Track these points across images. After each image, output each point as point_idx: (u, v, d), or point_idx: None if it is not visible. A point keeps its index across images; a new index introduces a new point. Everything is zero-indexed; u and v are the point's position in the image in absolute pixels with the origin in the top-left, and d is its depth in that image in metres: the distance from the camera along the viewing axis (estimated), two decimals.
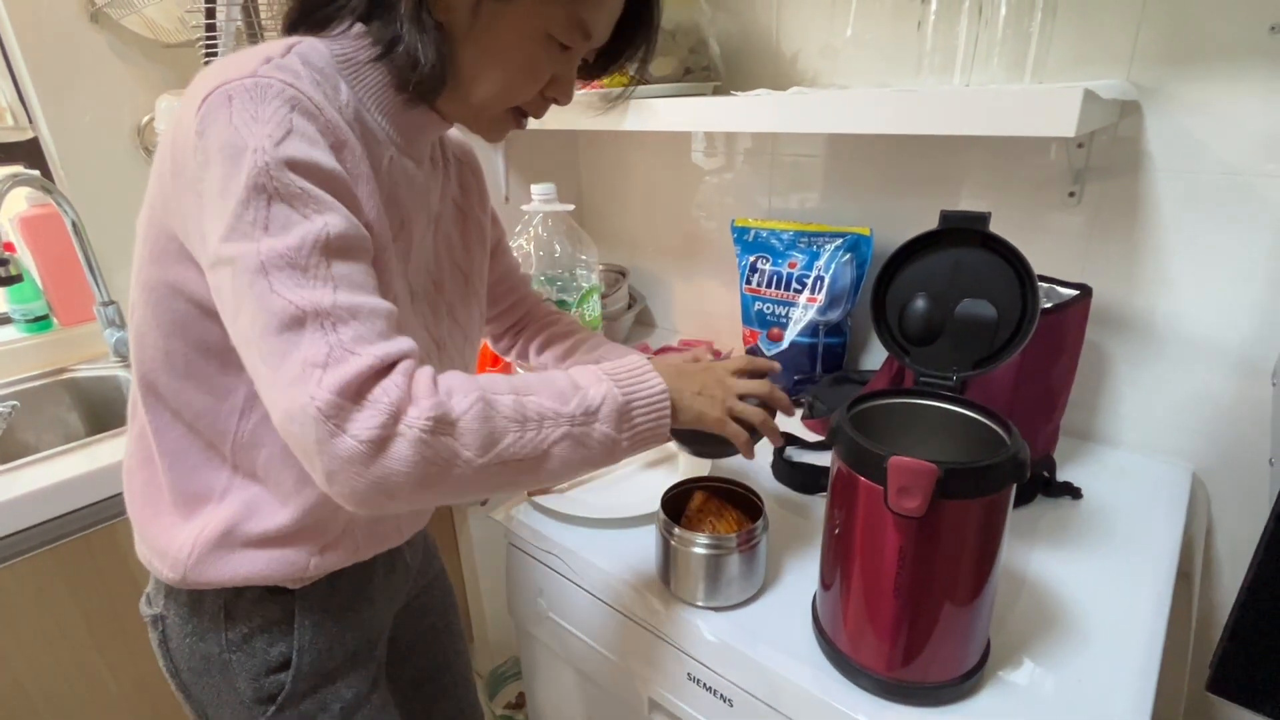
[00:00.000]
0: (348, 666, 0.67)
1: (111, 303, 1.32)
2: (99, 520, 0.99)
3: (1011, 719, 0.56)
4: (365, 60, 0.53)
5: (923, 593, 0.54)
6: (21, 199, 1.32)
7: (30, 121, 1.33)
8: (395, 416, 0.43)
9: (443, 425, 0.44)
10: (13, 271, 1.08)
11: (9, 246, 1.22)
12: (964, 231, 0.60)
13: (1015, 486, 0.53)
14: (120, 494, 0.96)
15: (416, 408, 0.43)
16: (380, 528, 0.66)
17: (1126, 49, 0.80)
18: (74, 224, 1.25)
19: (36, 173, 1.26)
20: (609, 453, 0.52)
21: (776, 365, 0.70)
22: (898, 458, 0.49)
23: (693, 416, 0.58)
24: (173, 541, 0.59)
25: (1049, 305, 0.79)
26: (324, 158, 0.47)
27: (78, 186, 1.32)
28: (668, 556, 0.69)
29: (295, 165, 0.45)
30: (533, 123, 0.63)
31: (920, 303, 0.62)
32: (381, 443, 0.42)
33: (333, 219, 0.46)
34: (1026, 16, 0.79)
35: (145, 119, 1.38)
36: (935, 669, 0.57)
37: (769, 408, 0.64)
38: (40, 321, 1.34)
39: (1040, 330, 0.75)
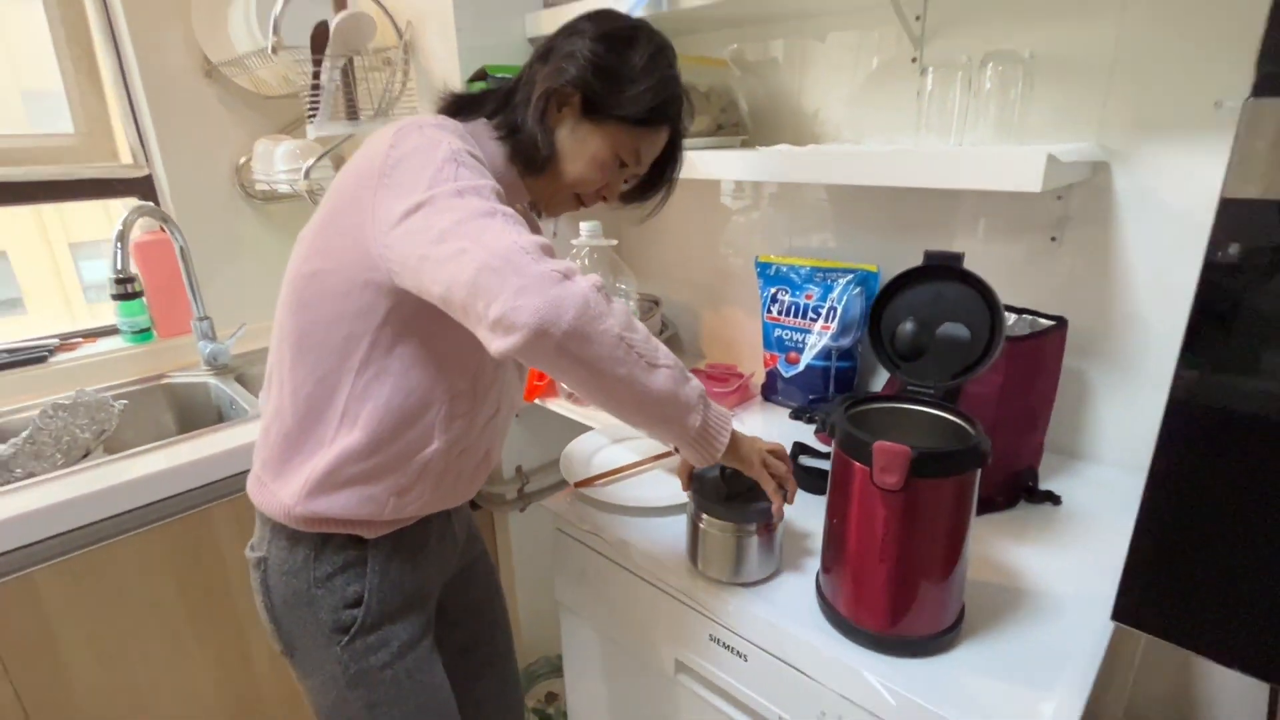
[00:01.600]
0: (404, 611, 0.81)
1: (206, 318, 1.51)
2: (193, 505, 1.15)
3: (979, 667, 0.67)
4: (490, 138, 0.75)
5: (905, 558, 0.66)
6: (137, 227, 1.53)
7: (146, 160, 1.54)
8: (574, 269, 0.61)
9: (605, 295, 0.62)
10: (136, 289, 1.27)
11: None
12: (944, 268, 0.73)
13: (979, 471, 0.66)
14: (206, 485, 1.13)
15: (587, 275, 0.61)
16: (442, 487, 0.80)
17: (1097, 117, 0.94)
18: (181, 249, 1.45)
19: (151, 204, 1.47)
20: (688, 411, 0.69)
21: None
22: (880, 442, 0.63)
23: (744, 452, 0.77)
24: (294, 477, 0.75)
25: (1028, 333, 0.92)
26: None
27: (184, 216, 1.53)
28: (696, 539, 0.82)
29: (474, 156, 0.69)
30: None
31: (909, 325, 0.76)
32: (567, 275, 0.59)
33: (492, 184, 0.66)
34: (1009, 88, 0.94)
35: (243, 159, 1.59)
36: (918, 625, 0.69)
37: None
38: (143, 333, 1.54)
39: (1020, 354, 0.88)
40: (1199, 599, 0.51)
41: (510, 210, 0.64)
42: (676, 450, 0.75)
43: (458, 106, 0.81)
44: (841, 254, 1.26)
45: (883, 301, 0.77)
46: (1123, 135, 0.92)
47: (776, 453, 0.80)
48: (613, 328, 0.61)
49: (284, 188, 1.45)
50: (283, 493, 0.76)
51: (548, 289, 0.58)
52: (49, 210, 1.55)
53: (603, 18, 0.78)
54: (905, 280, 0.76)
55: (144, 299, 1.52)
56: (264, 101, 1.58)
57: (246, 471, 1.16)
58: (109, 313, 1.56)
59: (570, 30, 0.77)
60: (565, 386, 1.32)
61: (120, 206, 1.60)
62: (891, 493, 0.64)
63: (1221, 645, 0.51)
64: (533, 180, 0.80)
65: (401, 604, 0.81)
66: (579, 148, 0.77)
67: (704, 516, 0.80)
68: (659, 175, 0.87)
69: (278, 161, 1.44)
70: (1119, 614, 0.56)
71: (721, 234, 1.44)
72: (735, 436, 0.76)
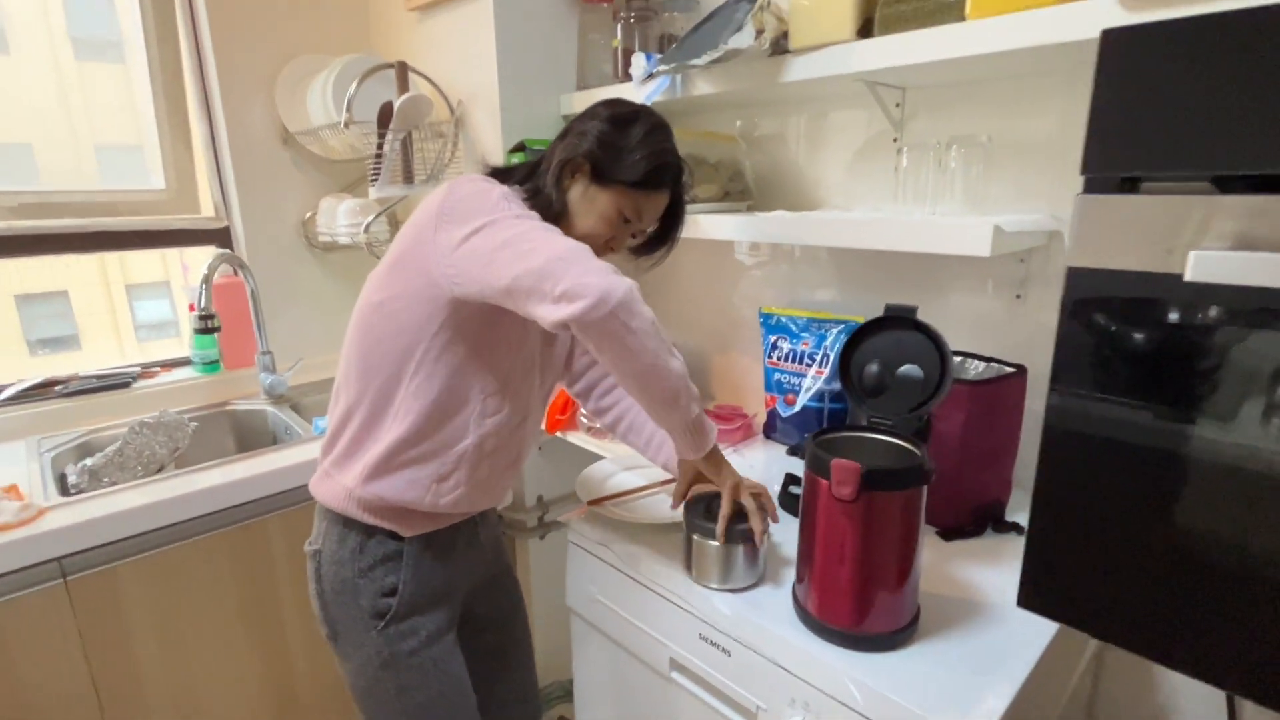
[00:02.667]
0: (432, 605, 0.95)
1: (268, 352, 1.70)
2: (252, 515, 1.31)
3: (931, 661, 0.78)
4: (519, 199, 0.92)
5: (862, 562, 0.78)
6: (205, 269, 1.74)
7: (226, 214, 1.77)
8: (615, 270, 0.77)
9: (638, 291, 0.78)
10: (215, 325, 1.46)
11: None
12: (901, 318, 0.87)
13: (925, 488, 0.78)
14: (262, 498, 1.28)
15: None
16: (475, 479, 0.93)
17: (1048, 192, 1.08)
18: (252, 291, 1.65)
19: (230, 251, 1.69)
20: (691, 400, 0.87)
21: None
22: (837, 459, 0.76)
23: (719, 461, 0.95)
24: (356, 465, 0.91)
25: (989, 378, 1.04)
26: None
27: (255, 263, 1.73)
28: (690, 552, 0.95)
29: (517, 200, 0.88)
30: None
31: (873, 367, 0.90)
32: (616, 271, 0.77)
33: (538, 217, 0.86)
34: (972, 166, 1.09)
35: (309, 214, 1.80)
36: (877, 623, 0.80)
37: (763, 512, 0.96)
38: (212, 365, 1.73)
39: (980, 397, 1.01)
40: (1081, 586, 0.63)
41: (555, 228, 0.84)
42: (664, 471, 0.89)
43: (494, 176, 0.98)
44: (836, 307, 1.41)
45: (852, 346, 0.91)
46: (1070, 208, 1.06)
47: (755, 487, 0.96)
48: (648, 314, 0.79)
49: (344, 239, 1.66)
50: (345, 478, 0.92)
51: (605, 275, 0.75)
52: (110, 253, 1.76)
53: (612, 104, 0.95)
54: (871, 329, 0.91)
55: (217, 334, 1.72)
56: (330, 164, 1.81)
57: (299, 487, 1.34)
58: (158, 350, 1.77)
59: (586, 114, 0.96)
60: (584, 414, 1.47)
61: (175, 254, 1.82)
62: (848, 503, 0.76)
63: (1103, 624, 0.62)
64: None
65: (429, 598, 0.95)
66: (589, 206, 0.93)
67: (695, 536, 0.93)
68: (665, 233, 1.03)
69: (340, 217, 1.65)
70: (1022, 602, 0.67)
71: (731, 287, 1.60)
72: (717, 448, 0.93)
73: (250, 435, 1.70)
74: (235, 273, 1.70)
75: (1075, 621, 0.63)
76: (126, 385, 1.61)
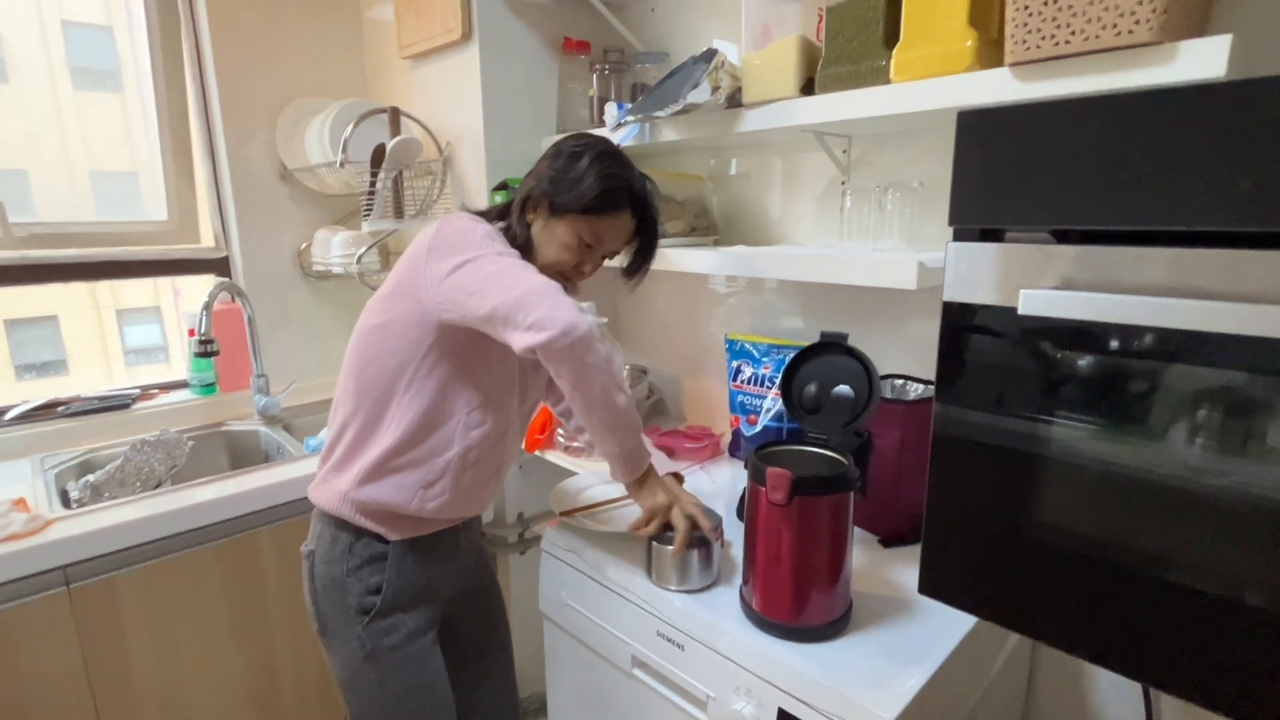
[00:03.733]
0: (413, 604, 1.04)
1: (263, 375, 1.80)
2: (243, 529, 1.40)
3: (860, 650, 0.88)
4: (501, 236, 1.03)
5: (796, 560, 0.88)
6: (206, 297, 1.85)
7: (226, 244, 1.88)
8: (585, 310, 0.91)
9: (602, 330, 0.92)
10: (214, 349, 1.56)
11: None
12: (834, 345, 0.99)
13: (851, 494, 0.89)
14: (253, 512, 1.37)
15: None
16: (459, 488, 1.02)
17: None
18: (249, 318, 1.76)
19: (228, 280, 1.79)
20: (629, 432, 0.98)
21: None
22: (772, 468, 0.86)
23: (652, 485, 1.03)
24: (350, 471, 1.01)
25: (924, 398, 1.15)
26: None
27: (252, 290, 1.84)
28: (650, 556, 1.05)
29: (501, 238, 0.99)
30: None
31: (811, 387, 1.01)
32: (583, 310, 0.89)
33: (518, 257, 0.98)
34: (907, 208, 1.22)
35: (303, 245, 1.92)
36: (812, 616, 0.90)
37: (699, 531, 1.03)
38: (209, 387, 1.83)
39: (915, 415, 1.12)
40: (968, 571, 0.73)
41: (533, 267, 0.95)
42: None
43: (485, 215, 1.10)
44: (794, 333, 1.52)
45: (793, 369, 1.03)
46: None
47: (696, 505, 1.04)
48: (603, 351, 0.92)
49: (337, 269, 1.77)
50: (341, 482, 1.01)
51: (572, 312, 0.88)
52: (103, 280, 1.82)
53: (565, 140, 1.05)
54: (809, 353, 1.02)
55: (214, 359, 1.82)
56: (325, 199, 1.93)
57: (289, 502, 1.43)
58: (147, 375, 1.87)
59: (546, 153, 1.06)
60: (562, 433, 1.57)
61: (167, 281, 1.92)
62: (781, 507, 0.87)
63: (989, 607, 0.72)
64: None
65: (411, 597, 1.04)
66: (550, 237, 1.03)
67: (654, 543, 1.03)
68: (642, 249, 1.12)
69: (334, 248, 1.77)
70: (922, 588, 0.77)
71: (701, 315, 1.72)
72: (650, 472, 1.03)
73: (244, 454, 1.79)
74: (233, 300, 1.80)
75: (966, 605, 0.73)
76: (126, 406, 1.70)
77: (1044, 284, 0.59)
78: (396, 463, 0.99)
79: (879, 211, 1.25)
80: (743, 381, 1.51)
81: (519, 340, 0.88)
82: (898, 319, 1.34)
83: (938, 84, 0.98)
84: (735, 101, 1.24)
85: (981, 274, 0.63)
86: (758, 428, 1.47)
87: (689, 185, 1.55)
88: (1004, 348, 0.64)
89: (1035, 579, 0.67)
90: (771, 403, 1.45)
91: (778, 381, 1.43)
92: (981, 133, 0.62)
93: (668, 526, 1.02)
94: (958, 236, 0.65)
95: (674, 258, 1.40)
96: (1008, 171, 0.62)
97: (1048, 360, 0.62)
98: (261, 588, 1.43)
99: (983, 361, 0.66)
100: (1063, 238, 0.61)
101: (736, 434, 1.53)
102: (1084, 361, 0.60)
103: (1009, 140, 0.61)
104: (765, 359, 1.48)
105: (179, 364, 2.30)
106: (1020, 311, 0.59)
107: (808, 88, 1.15)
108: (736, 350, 1.54)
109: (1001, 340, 0.64)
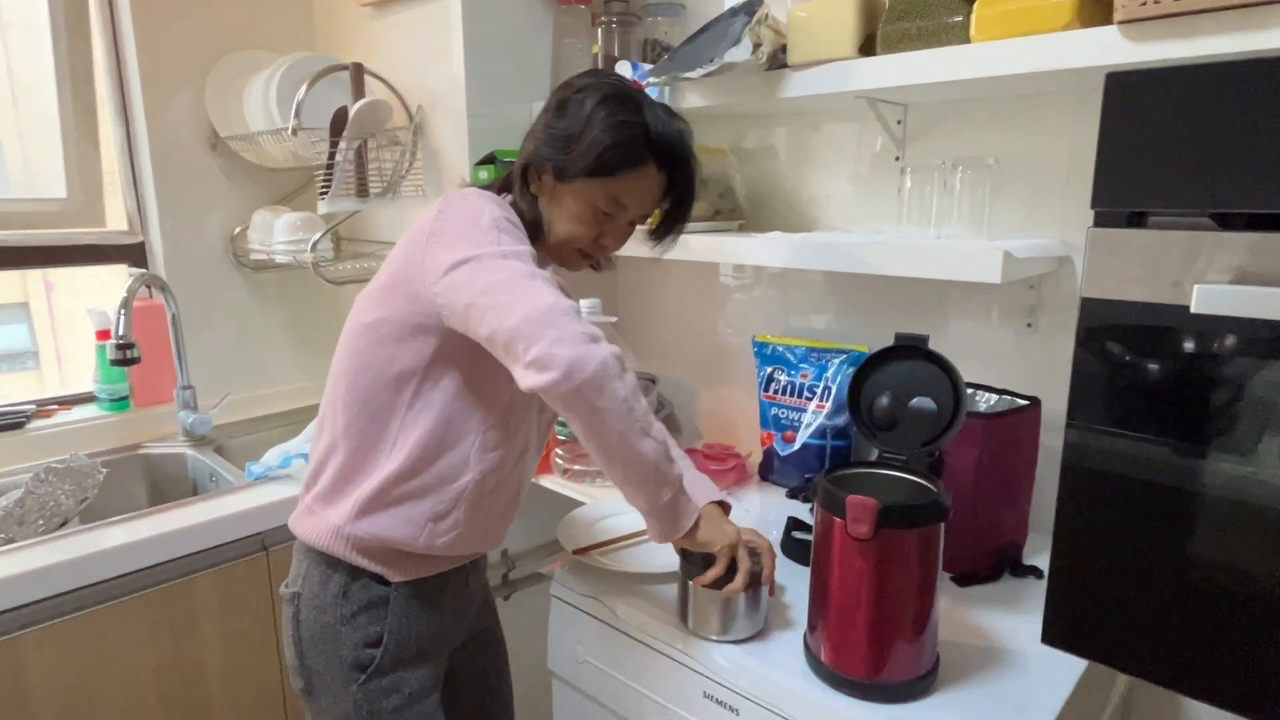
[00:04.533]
0: (418, 660, 1.00)
1: (189, 387, 1.72)
2: (176, 576, 1.33)
3: (954, 711, 0.86)
4: (512, 218, 0.98)
5: (880, 605, 0.87)
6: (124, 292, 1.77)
7: (142, 228, 1.80)
8: (599, 336, 0.85)
9: (621, 364, 0.86)
10: (135, 355, 1.49)
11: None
12: (913, 348, 0.98)
13: (942, 525, 0.87)
14: (187, 555, 1.30)
15: (612, 345, 0.86)
16: (474, 520, 0.99)
17: (1059, 217, 1.21)
18: (173, 317, 1.68)
19: (147, 271, 1.72)
20: (661, 484, 0.92)
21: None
22: (853, 495, 0.84)
23: (704, 539, 0.97)
24: (345, 501, 0.96)
25: (1002, 411, 1.15)
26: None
27: (176, 284, 1.76)
28: (686, 600, 1.02)
29: (512, 222, 0.94)
30: None
31: (884, 399, 0.99)
32: (595, 339, 0.84)
33: (530, 249, 0.93)
34: (978, 188, 1.22)
35: (238, 229, 1.85)
36: (896, 670, 0.88)
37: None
38: (121, 402, 1.74)
39: (994, 431, 1.11)
40: (1105, 622, 0.72)
41: (546, 274, 0.89)
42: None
43: (494, 189, 1.06)
44: (836, 335, 1.51)
45: (861, 378, 1.01)
46: (1081, 234, 1.19)
47: (754, 543, 1.01)
48: (621, 390, 0.85)
49: (282, 258, 1.70)
50: (333, 515, 0.97)
51: (578, 345, 0.82)
52: None
53: (561, 88, 1.00)
54: (881, 359, 1.00)
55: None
56: (265, 173, 1.86)
57: (231, 542, 1.37)
58: (13, 386, 1.78)
59: (544, 107, 1.01)
60: (560, 455, 1.53)
61: (37, 274, 1.83)
62: (864, 542, 0.85)
63: (1128, 658, 0.71)
64: (540, 245, 1.02)
65: (416, 652, 0.99)
66: (559, 210, 0.99)
67: (690, 582, 1.00)
68: (676, 207, 1.07)
69: (278, 232, 1.70)
70: (1046, 638, 0.76)
71: (720, 313, 1.70)
72: (699, 524, 0.97)
73: (166, 483, 1.71)
74: (151, 295, 1.73)
75: (1099, 655, 0.72)
76: (20, 425, 1.61)
77: (1214, 277, 0.59)
78: (401, 491, 0.95)
79: (944, 193, 1.24)
80: (776, 391, 1.49)
81: (520, 377, 0.85)
82: (948, 318, 1.34)
83: (1027, 44, 0.98)
84: (777, 62, 1.23)
85: (1133, 264, 0.62)
86: (795, 445, 1.46)
87: (712, 160, 1.53)
88: (1166, 355, 0.63)
89: (1197, 633, 0.67)
90: (813, 416, 1.44)
91: (829, 392, 1.42)
92: (1137, 98, 0.61)
93: (707, 561, 0.99)
94: (1100, 221, 0.64)
95: (697, 246, 1.38)
96: (1166, 145, 0.61)
97: (1222, 371, 0.61)
98: (197, 647, 1.36)
99: (1135, 373, 0.65)
100: (1226, 224, 0.61)
101: (769, 454, 1.51)
102: (1269, 373, 0.59)
103: (1169, 108, 0.60)
104: (804, 364, 1.47)
105: (51, 373, 2.21)
106: (1194, 310, 0.58)
107: (866, 47, 1.14)
108: (767, 354, 1.52)
109: (1162, 346, 0.63)
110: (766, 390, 1.51)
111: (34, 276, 2.22)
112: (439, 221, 0.92)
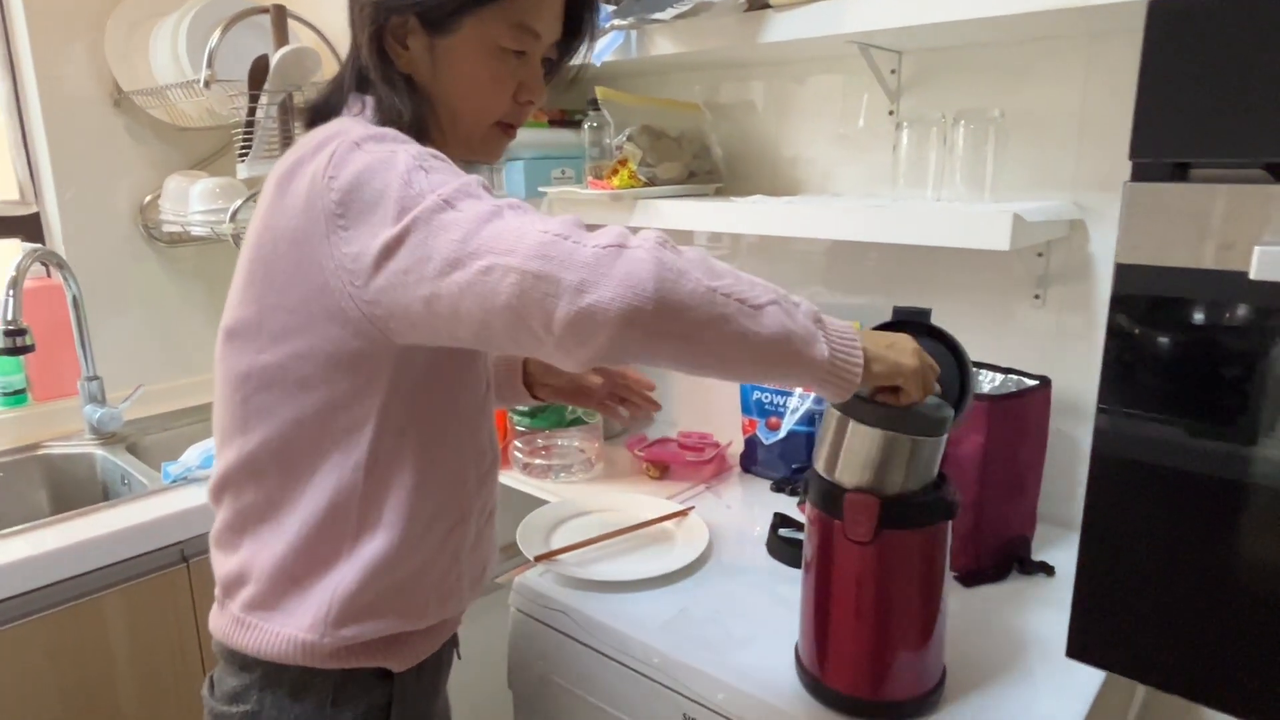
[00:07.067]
0: None
1: (96, 378, 1.63)
2: (79, 594, 1.25)
3: None
4: (382, 123, 0.75)
5: (882, 614, 0.82)
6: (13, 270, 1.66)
7: (36, 197, 1.69)
8: (623, 235, 0.62)
9: (669, 245, 0.62)
10: (28, 342, 1.39)
11: None
12: (913, 323, 0.93)
13: (950, 524, 0.83)
14: (93, 570, 1.22)
15: (640, 234, 0.63)
16: (474, 563, 0.88)
17: (1070, 176, 1.17)
18: (74, 299, 1.58)
19: (44, 247, 1.61)
20: (811, 342, 0.67)
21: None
22: (852, 494, 0.79)
23: (889, 367, 0.73)
24: (305, 609, 0.76)
25: (1010, 392, 1.11)
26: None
27: (76, 261, 1.66)
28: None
29: (437, 157, 0.69)
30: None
31: None
32: (622, 244, 0.60)
33: (475, 178, 0.68)
34: (982, 145, 1.17)
35: (148, 197, 1.74)
36: (900, 687, 0.84)
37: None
38: (17, 395, 1.64)
39: (1002, 414, 1.07)
40: (1139, 633, 0.68)
41: (514, 200, 0.66)
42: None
43: (325, 110, 0.81)
44: (826, 310, 1.46)
45: None
46: (1095, 194, 1.15)
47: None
48: (700, 282, 0.62)
49: (199, 229, 1.61)
50: (290, 628, 0.76)
51: (612, 270, 0.59)
52: None
53: None
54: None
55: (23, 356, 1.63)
56: (178, 134, 1.75)
57: (144, 554, 1.29)
58: None
59: None
60: (519, 447, 1.47)
61: None
62: (863, 545, 0.80)
63: (1166, 674, 0.67)
64: (441, 142, 0.80)
65: None
66: (453, 76, 0.77)
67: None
68: (575, 25, 0.85)
69: (194, 200, 1.60)
70: (1072, 651, 0.72)
71: None
72: (869, 353, 0.73)
73: (71, 488, 1.62)
74: (48, 273, 1.62)
75: (1133, 671, 0.68)
76: None
77: (1270, 238, 0.54)
78: (391, 580, 0.78)
79: (942, 150, 1.19)
80: None
81: (559, 360, 0.64)
82: (949, 290, 1.30)
83: None
84: (758, 3, 1.16)
85: (1178, 225, 0.58)
86: (781, 433, 1.41)
87: (685, 116, 1.46)
88: (1217, 329, 0.58)
89: (1244, 645, 0.63)
90: (800, 401, 1.39)
91: None
92: (1186, 30, 0.56)
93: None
94: (1140, 174, 0.59)
95: (670, 212, 1.32)
96: (1217, 85, 0.56)
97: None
98: (105, 675, 1.28)
99: (1180, 350, 0.60)
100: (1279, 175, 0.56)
101: (751, 443, 1.47)
102: None
103: (1221, 43, 0.55)
104: None
105: None
106: (1254, 276, 0.53)
107: None
108: None
109: (1213, 318, 0.58)
110: None
111: None
112: (335, 191, 0.67)
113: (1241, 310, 0.57)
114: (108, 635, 1.28)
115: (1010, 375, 1.18)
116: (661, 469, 1.48)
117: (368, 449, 0.74)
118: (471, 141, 0.84)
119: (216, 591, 0.84)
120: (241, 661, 0.80)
